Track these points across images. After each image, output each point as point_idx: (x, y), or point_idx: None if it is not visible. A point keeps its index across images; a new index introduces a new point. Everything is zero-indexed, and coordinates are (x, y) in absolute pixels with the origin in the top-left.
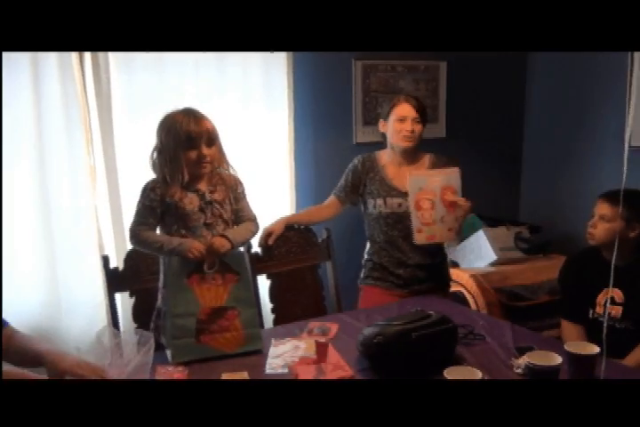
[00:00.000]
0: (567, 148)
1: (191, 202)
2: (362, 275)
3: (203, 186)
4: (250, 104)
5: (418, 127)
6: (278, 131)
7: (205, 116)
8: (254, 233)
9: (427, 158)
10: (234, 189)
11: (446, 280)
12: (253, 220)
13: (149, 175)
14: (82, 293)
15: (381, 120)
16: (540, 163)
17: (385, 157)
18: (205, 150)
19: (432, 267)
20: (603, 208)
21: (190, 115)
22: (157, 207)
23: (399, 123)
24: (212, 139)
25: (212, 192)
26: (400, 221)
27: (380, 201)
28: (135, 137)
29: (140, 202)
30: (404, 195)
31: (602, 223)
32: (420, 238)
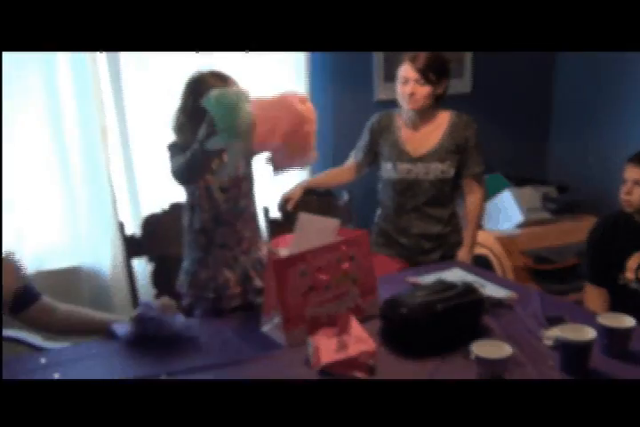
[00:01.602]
0: (597, 105)
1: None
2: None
3: None
4: (263, 56)
5: (420, 89)
6: (294, 86)
7: (237, 82)
8: None
9: (445, 117)
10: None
11: (455, 252)
12: None
13: (163, 138)
14: (99, 259)
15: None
16: (569, 120)
17: (401, 117)
18: None
19: (439, 238)
20: (636, 173)
21: (223, 80)
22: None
23: (401, 85)
24: None
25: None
26: (409, 189)
27: (389, 165)
28: (147, 97)
29: (170, 156)
30: (415, 160)
31: (637, 189)
32: None
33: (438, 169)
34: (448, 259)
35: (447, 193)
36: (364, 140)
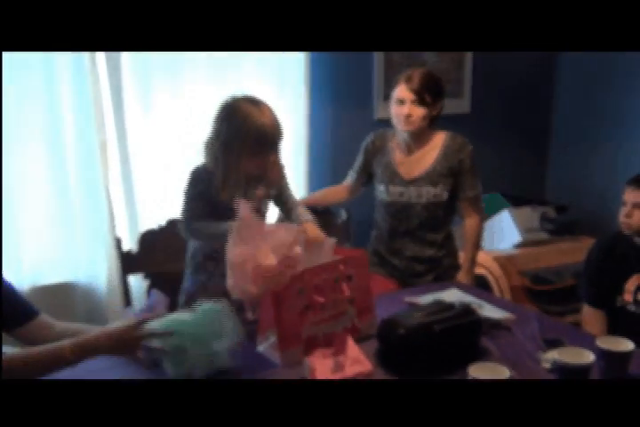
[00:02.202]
0: (596, 125)
1: (232, 195)
2: None
3: (247, 182)
4: (264, 75)
5: (417, 111)
6: (294, 105)
7: (269, 106)
8: None
9: (439, 139)
10: (279, 181)
11: (449, 275)
12: (300, 204)
13: (162, 154)
14: (95, 274)
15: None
16: (568, 141)
17: (396, 137)
18: (273, 157)
19: (432, 261)
20: (636, 196)
21: (256, 105)
22: (207, 197)
23: (397, 105)
24: (280, 141)
25: (255, 188)
26: (402, 212)
27: (382, 187)
28: (147, 112)
29: (189, 191)
30: (407, 183)
31: (638, 211)
32: None
33: (430, 193)
34: (441, 282)
35: (440, 217)
36: (358, 160)
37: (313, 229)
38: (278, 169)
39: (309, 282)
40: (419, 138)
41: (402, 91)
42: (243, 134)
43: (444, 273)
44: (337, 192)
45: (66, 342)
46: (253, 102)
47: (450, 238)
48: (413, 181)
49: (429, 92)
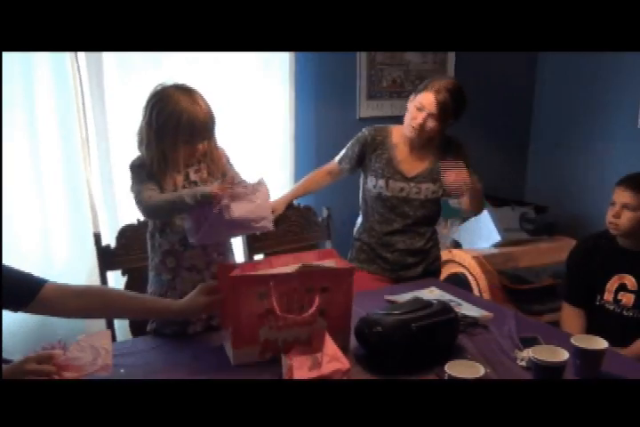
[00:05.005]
0: (575, 127)
1: (174, 182)
2: (348, 255)
3: (185, 166)
4: (249, 75)
5: (431, 123)
6: (279, 104)
7: (201, 94)
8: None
9: (437, 145)
10: (218, 163)
11: (436, 267)
12: None
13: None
14: (74, 270)
15: (413, 93)
16: (548, 142)
17: (399, 134)
18: (205, 145)
19: (421, 252)
20: (625, 196)
21: (187, 93)
22: (153, 184)
23: (416, 110)
24: (213, 129)
25: (196, 171)
26: (399, 206)
27: (382, 182)
28: (128, 106)
29: (134, 178)
30: (409, 180)
31: (626, 212)
32: None
33: (430, 190)
34: (430, 274)
35: (435, 212)
36: (352, 150)
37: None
38: (218, 154)
39: (274, 288)
40: (420, 141)
41: (427, 99)
42: (174, 122)
43: (431, 265)
44: (321, 178)
45: None
46: (185, 90)
47: (435, 231)
48: (414, 178)
49: (453, 110)
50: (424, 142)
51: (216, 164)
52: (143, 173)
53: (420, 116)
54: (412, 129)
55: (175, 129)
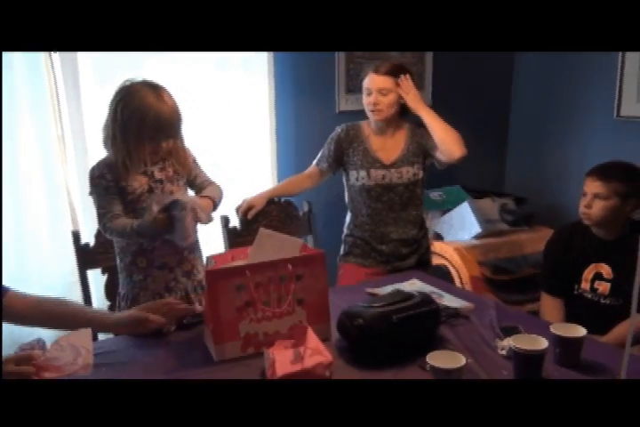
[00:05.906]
0: (553, 118)
1: (140, 184)
2: (341, 251)
3: (151, 164)
4: (228, 70)
5: (383, 99)
6: (258, 99)
7: (168, 91)
8: (222, 193)
9: (406, 129)
10: (184, 162)
11: (428, 256)
12: (214, 182)
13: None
14: (54, 269)
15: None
16: (527, 133)
17: (369, 127)
18: (170, 143)
19: (414, 242)
20: (595, 186)
21: (155, 89)
22: (115, 194)
23: (366, 96)
24: (179, 127)
25: (161, 170)
26: (384, 194)
27: (363, 173)
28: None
29: (94, 192)
30: (388, 167)
31: (597, 202)
32: None
33: (410, 173)
34: (422, 264)
35: (418, 194)
36: (328, 149)
37: (203, 200)
38: (184, 154)
39: (250, 278)
40: (391, 124)
41: (369, 81)
42: (139, 118)
43: (424, 255)
44: (304, 180)
45: None
46: (152, 86)
47: (424, 220)
48: (393, 164)
49: (393, 74)
50: (394, 126)
51: (182, 163)
52: (101, 185)
53: (372, 98)
54: (372, 113)
55: (140, 125)
